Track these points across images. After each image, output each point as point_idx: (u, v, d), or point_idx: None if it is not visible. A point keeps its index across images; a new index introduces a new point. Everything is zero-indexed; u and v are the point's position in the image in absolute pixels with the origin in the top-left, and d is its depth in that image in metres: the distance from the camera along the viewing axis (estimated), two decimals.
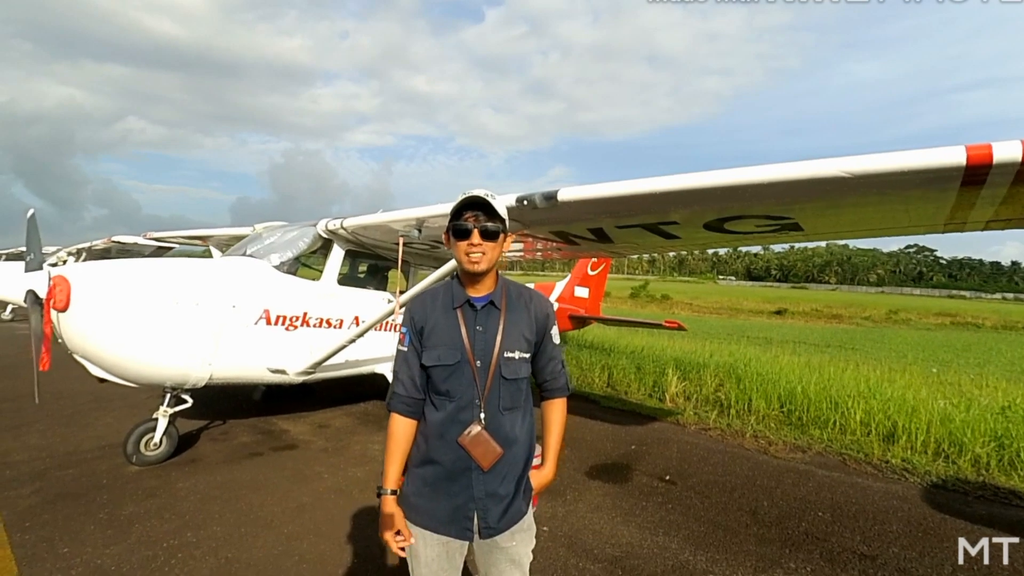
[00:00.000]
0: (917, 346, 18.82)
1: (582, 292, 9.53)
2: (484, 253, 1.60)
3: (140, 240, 11.64)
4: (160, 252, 12.97)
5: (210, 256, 7.57)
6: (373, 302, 5.27)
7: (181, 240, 9.35)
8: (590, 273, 9.70)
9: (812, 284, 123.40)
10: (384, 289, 5.60)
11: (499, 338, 1.62)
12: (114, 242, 12.39)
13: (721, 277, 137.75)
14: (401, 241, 4.19)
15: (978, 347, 19.24)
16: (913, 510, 3.99)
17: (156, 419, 4.30)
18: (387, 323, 5.37)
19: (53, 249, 15.88)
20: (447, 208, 3.77)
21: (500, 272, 1.75)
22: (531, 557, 1.74)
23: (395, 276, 6.12)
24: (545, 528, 3.44)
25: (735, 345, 13.27)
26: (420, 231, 4.15)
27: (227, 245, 7.93)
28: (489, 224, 1.59)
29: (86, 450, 4.57)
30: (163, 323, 3.91)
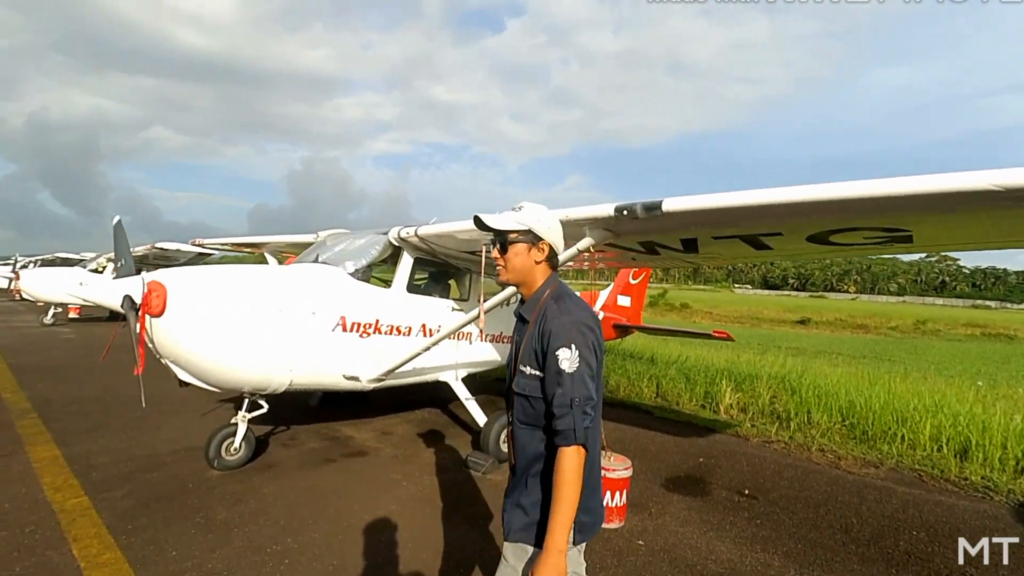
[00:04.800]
0: (952, 358, 18.38)
1: (624, 301, 9.47)
2: (503, 265, 1.71)
3: (182, 247, 11.86)
4: (198, 259, 13.23)
5: (265, 262, 7.66)
6: (438, 310, 5.29)
7: (232, 247, 9.49)
8: (632, 282, 9.64)
9: (831, 293, 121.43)
10: (447, 297, 5.60)
11: (521, 349, 1.64)
12: (155, 248, 12.64)
13: (737, 286, 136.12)
14: (484, 250, 4.19)
15: (1017, 359, 18.73)
16: (1008, 531, 3.87)
17: (235, 424, 4.36)
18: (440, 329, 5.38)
19: (92, 255, 16.27)
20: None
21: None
22: None
23: (455, 284, 6.16)
24: (640, 542, 3.40)
25: (770, 356, 13.08)
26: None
27: (282, 252, 8.05)
28: (503, 238, 1.68)
29: (163, 454, 4.63)
30: (251, 329, 3.95)
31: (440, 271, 5.77)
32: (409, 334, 5.00)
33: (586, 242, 3.58)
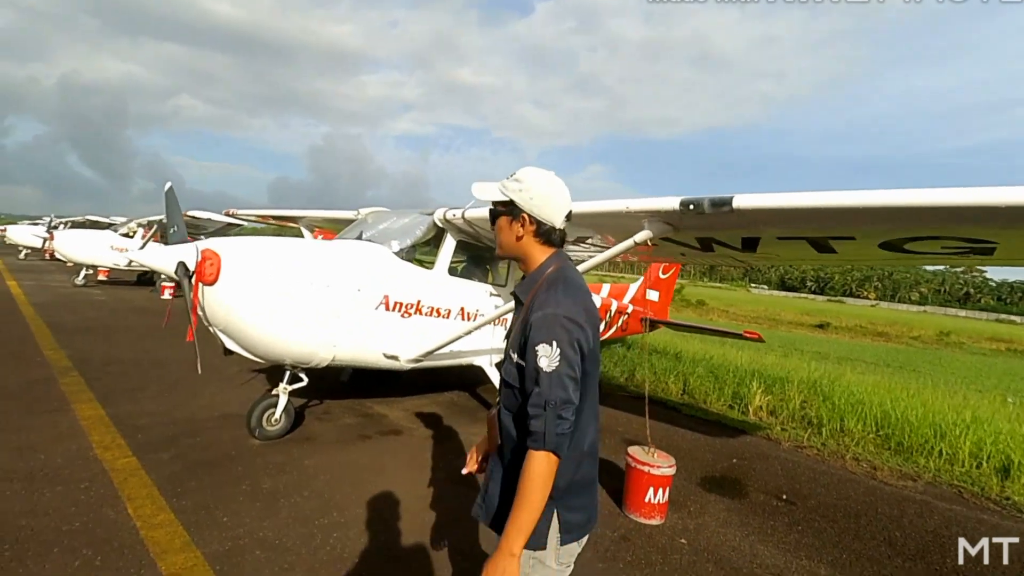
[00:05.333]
0: (978, 372, 17.94)
1: (653, 295, 9.38)
2: (494, 238, 1.63)
3: (213, 216, 11.95)
4: (226, 229, 13.35)
5: (300, 236, 7.69)
6: (477, 294, 5.26)
7: (263, 219, 9.53)
8: (661, 277, 9.54)
9: (850, 298, 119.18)
10: (486, 281, 5.57)
11: (512, 334, 1.54)
12: (187, 216, 12.76)
13: (754, 285, 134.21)
14: None
15: None
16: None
17: (276, 395, 4.40)
18: (482, 315, 5.35)
19: (123, 219, 16.54)
20: (580, 207, 3.65)
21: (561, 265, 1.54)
22: None
23: (492, 269, 6.11)
24: (683, 540, 3.38)
25: (793, 359, 12.90)
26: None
27: (316, 227, 8.07)
28: (492, 209, 1.60)
29: (203, 419, 4.70)
30: (300, 303, 3.97)
31: (479, 255, 5.74)
32: (448, 317, 4.98)
33: (644, 235, 3.51)
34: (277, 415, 4.36)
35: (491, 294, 5.39)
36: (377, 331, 4.48)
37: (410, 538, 3.08)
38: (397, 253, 4.69)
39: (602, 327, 7.97)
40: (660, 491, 3.56)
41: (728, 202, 2.97)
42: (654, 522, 3.56)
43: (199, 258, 3.70)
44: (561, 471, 1.43)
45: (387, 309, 4.52)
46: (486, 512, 1.59)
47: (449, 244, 5.01)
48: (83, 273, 14.02)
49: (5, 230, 23.41)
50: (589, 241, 4.69)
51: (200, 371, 3.97)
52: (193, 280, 3.68)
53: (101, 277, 15.20)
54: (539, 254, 1.54)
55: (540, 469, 1.32)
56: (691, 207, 3.10)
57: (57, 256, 14.42)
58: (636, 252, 4.94)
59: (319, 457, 4.14)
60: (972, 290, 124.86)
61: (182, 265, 3.70)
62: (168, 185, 4.48)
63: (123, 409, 4.78)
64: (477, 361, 5.46)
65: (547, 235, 1.53)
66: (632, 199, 3.44)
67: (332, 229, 8.87)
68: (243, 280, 3.76)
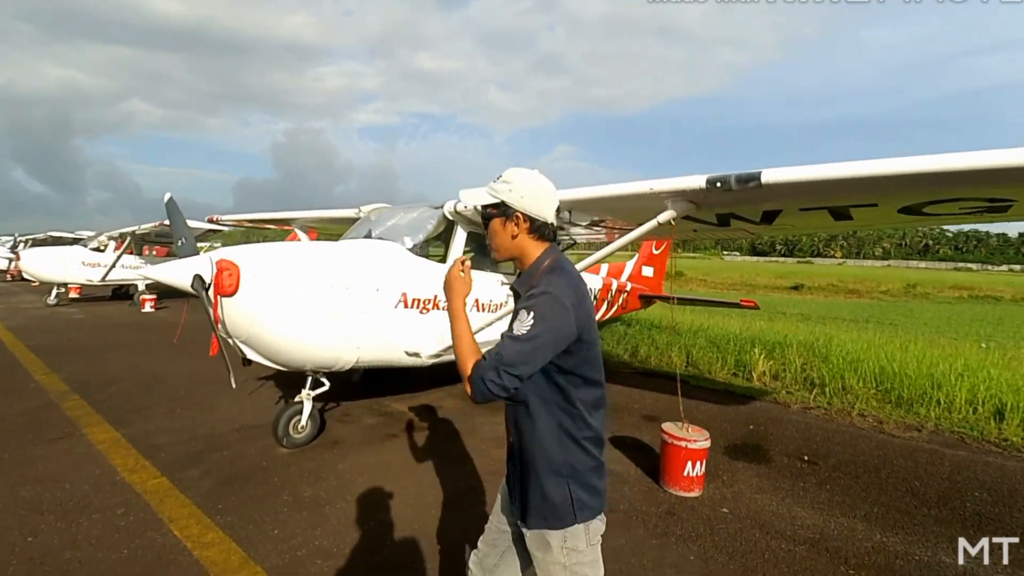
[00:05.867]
0: (948, 320, 18.81)
1: (648, 271, 9.50)
2: (489, 241, 1.64)
3: (191, 224, 11.49)
4: (207, 236, 12.90)
5: (297, 239, 7.50)
6: (490, 284, 5.24)
7: (251, 223, 9.23)
8: (654, 252, 9.66)
9: (817, 259, 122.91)
10: (495, 270, 5.54)
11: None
12: (162, 225, 12.28)
13: (726, 252, 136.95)
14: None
15: (1010, 321, 19.24)
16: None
17: (301, 402, 4.33)
18: (499, 306, 5.34)
19: (91, 233, 15.81)
20: (601, 191, 3.65)
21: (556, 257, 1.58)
22: None
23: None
24: (725, 510, 3.50)
25: (779, 323, 13.27)
26: (570, 213, 4.09)
27: (311, 227, 7.87)
28: (483, 213, 1.61)
29: (224, 433, 4.61)
30: (322, 307, 3.89)
31: (486, 244, 5.69)
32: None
33: (668, 215, 3.53)
34: (303, 422, 4.30)
35: (502, 283, 5.38)
36: (398, 330, 4.44)
37: (461, 532, 3.10)
38: (411, 249, 4.63)
39: (604, 306, 8.06)
40: (698, 464, 3.66)
41: (756, 177, 3.00)
42: (694, 494, 3.68)
43: (215, 270, 3.58)
44: (585, 456, 1.53)
45: (406, 307, 4.47)
46: (517, 506, 1.62)
47: (460, 236, 4.96)
48: (55, 292, 13.39)
49: None
50: (603, 224, 4.70)
51: (234, 386, 3.86)
52: (212, 292, 3.56)
53: (73, 295, 14.56)
54: (534, 250, 1.59)
55: (464, 360, 1.39)
56: (718, 184, 3.13)
57: (25, 276, 13.73)
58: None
59: (352, 460, 4.11)
60: (931, 242, 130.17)
61: (198, 278, 3.57)
62: (168, 196, 4.29)
63: (138, 429, 4.65)
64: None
65: (540, 230, 1.57)
66: (656, 180, 3.44)
67: (319, 229, 8.66)
68: (264, 288, 3.66)
